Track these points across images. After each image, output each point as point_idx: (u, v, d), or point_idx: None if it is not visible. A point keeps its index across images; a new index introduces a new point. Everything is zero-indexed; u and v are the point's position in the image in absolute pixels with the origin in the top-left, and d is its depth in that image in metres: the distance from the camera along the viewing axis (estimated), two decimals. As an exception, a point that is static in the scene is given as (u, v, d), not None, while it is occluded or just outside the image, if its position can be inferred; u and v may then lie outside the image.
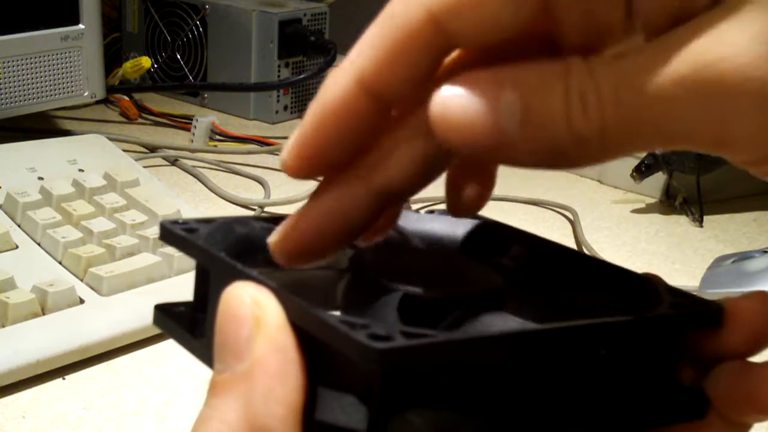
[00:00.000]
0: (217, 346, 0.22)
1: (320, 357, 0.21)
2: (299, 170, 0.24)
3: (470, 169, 0.26)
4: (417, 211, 0.31)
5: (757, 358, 0.25)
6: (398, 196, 0.24)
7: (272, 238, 0.24)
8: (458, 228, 0.30)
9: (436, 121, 0.21)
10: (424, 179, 0.24)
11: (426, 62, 0.23)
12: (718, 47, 0.20)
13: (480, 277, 0.27)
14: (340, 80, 0.23)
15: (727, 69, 0.20)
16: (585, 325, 0.23)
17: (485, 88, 0.21)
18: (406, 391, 0.21)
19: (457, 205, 0.27)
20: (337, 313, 0.24)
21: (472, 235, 0.30)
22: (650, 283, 0.27)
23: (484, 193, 0.27)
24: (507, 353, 0.22)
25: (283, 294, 0.22)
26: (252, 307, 0.22)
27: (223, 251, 0.25)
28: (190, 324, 0.26)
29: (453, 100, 0.21)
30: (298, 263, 0.24)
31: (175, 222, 0.26)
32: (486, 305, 0.25)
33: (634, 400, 0.25)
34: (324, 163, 0.24)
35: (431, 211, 0.31)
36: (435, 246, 0.29)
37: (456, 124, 0.21)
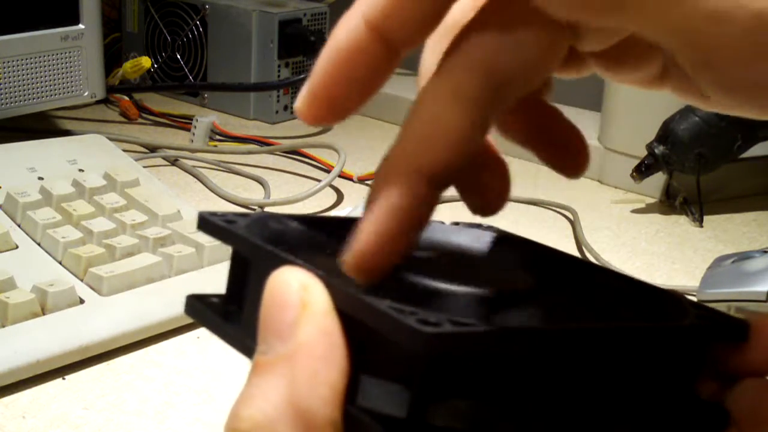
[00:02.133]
0: (262, 328, 0.22)
1: (363, 344, 0.22)
2: (313, 116, 0.24)
3: (487, 167, 0.27)
4: (442, 222, 0.31)
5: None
6: (448, 182, 0.24)
7: (349, 259, 0.23)
8: (479, 240, 0.30)
9: None
10: (463, 160, 0.24)
11: (431, 4, 0.23)
12: None
13: (508, 279, 0.27)
14: (349, 23, 0.24)
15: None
16: (623, 327, 0.23)
17: None
18: (448, 379, 0.21)
19: (479, 206, 0.27)
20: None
21: (492, 247, 0.30)
22: (676, 298, 0.27)
23: (503, 193, 0.27)
24: (549, 349, 0.22)
25: (329, 280, 0.22)
26: (299, 290, 0.22)
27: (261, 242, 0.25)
28: (223, 313, 0.26)
29: None
30: (376, 278, 0.23)
31: (214, 214, 0.26)
32: (515, 304, 0.25)
33: (655, 409, 0.25)
34: (336, 107, 0.24)
35: (456, 223, 0.31)
36: (463, 256, 0.30)
37: None
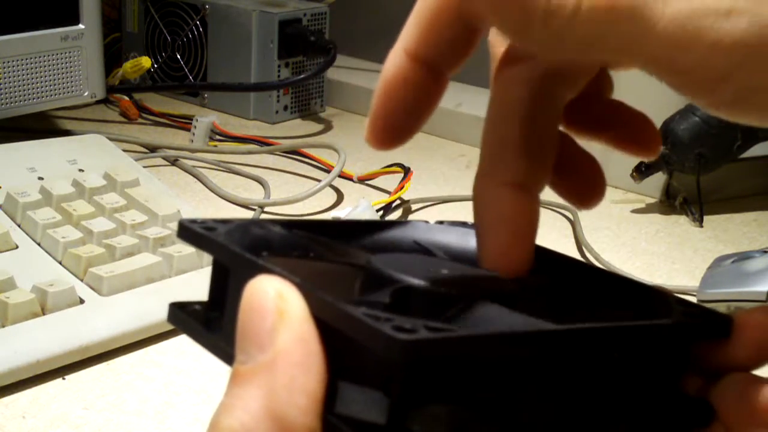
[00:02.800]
0: (239, 337, 0.22)
1: (341, 351, 0.22)
2: (380, 142, 0.28)
3: (578, 163, 0.30)
4: (426, 222, 0.31)
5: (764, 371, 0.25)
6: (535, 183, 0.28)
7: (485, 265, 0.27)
8: (470, 239, 0.30)
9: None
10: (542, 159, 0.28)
11: (461, 30, 0.26)
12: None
13: (489, 281, 0.27)
14: (393, 57, 0.27)
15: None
16: (603, 328, 0.23)
17: None
18: (427, 385, 0.21)
19: (579, 200, 0.32)
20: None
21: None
22: (661, 294, 0.27)
23: (599, 183, 0.31)
24: (527, 351, 0.22)
25: (306, 287, 0.22)
26: (276, 299, 0.22)
27: (241, 250, 0.25)
28: (205, 321, 0.26)
29: None
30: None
31: (194, 221, 0.26)
32: (497, 305, 0.25)
33: (639, 406, 0.25)
34: (396, 133, 0.28)
35: (440, 222, 0.31)
36: (449, 254, 0.30)
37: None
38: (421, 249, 0.30)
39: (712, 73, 0.23)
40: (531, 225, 0.28)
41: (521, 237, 0.28)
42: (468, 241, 0.30)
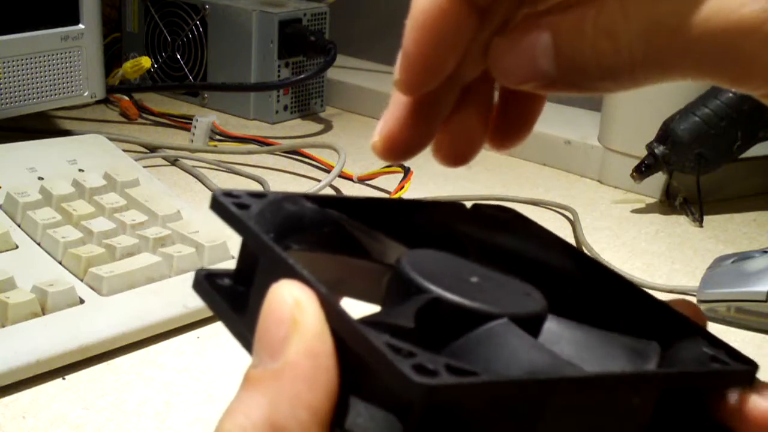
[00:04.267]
0: (257, 339, 0.22)
1: (357, 366, 0.21)
2: (411, 86, 0.26)
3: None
4: (462, 204, 0.30)
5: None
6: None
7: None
8: (505, 230, 0.30)
9: (491, 65, 0.26)
10: None
11: None
12: None
13: (519, 298, 0.26)
14: None
15: (745, 14, 0.23)
16: (625, 375, 0.23)
17: (526, 34, 0.25)
18: (445, 419, 0.21)
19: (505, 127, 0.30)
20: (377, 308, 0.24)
21: (519, 240, 0.30)
22: (688, 325, 0.26)
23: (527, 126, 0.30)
24: (544, 396, 0.22)
25: (327, 299, 0.22)
26: (293, 308, 0.22)
27: (272, 231, 0.24)
28: (231, 298, 0.25)
29: (500, 47, 0.26)
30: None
31: (228, 194, 0.25)
32: (515, 325, 0.24)
33: None
34: (432, 75, 0.26)
35: (477, 206, 0.31)
36: (482, 249, 0.29)
37: (504, 67, 0.26)
38: (455, 243, 0.29)
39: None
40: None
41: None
42: (503, 232, 0.30)
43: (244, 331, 0.24)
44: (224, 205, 0.25)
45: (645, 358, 0.25)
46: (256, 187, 0.85)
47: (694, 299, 0.66)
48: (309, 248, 0.26)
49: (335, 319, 0.22)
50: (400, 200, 0.30)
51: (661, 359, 0.25)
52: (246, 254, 0.26)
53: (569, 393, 0.22)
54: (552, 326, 0.26)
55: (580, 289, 0.29)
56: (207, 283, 0.25)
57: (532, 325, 0.25)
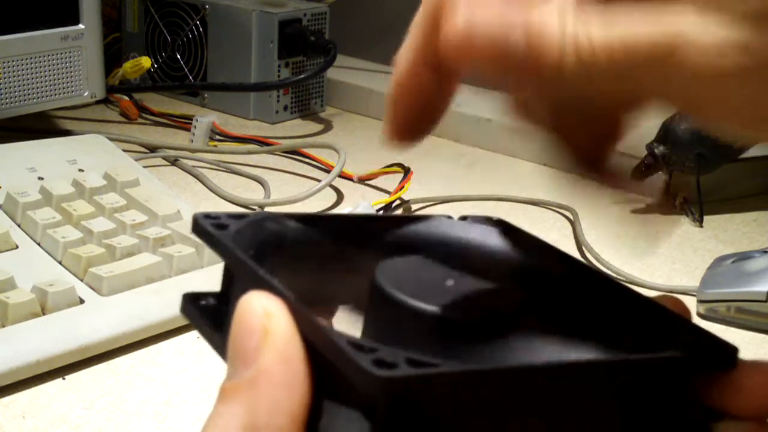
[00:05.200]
0: (229, 352, 0.23)
1: (328, 370, 0.21)
2: (399, 140, 0.28)
3: None
4: (449, 217, 0.31)
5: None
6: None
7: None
8: (490, 238, 0.30)
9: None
10: None
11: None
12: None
13: (504, 298, 0.26)
14: (403, 56, 0.26)
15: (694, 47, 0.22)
16: (590, 362, 0.23)
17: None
18: (412, 413, 0.21)
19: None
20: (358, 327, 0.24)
21: (503, 246, 0.30)
22: (669, 315, 0.27)
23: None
24: (512, 387, 0.22)
25: (296, 306, 0.22)
26: (262, 317, 0.22)
27: (252, 249, 0.25)
28: (214, 317, 0.26)
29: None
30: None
31: (208, 216, 0.26)
32: (494, 331, 0.25)
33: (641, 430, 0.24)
34: (414, 131, 0.27)
35: (464, 217, 0.31)
36: (465, 256, 0.29)
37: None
38: (437, 253, 0.29)
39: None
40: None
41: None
42: (485, 238, 0.30)
43: (224, 347, 0.24)
44: (203, 226, 0.26)
45: (621, 351, 0.25)
46: (256, 187, 0.85)
47: (694, 299, 0.66)
48: (293, 266, 0.26)
49: (304, 324, 0.22)
50: (387, 216, 0.31)
51: (639, 351, 0.25)
52: (226, 276, 0.26)
53: (535, 384, 0.22)
54: (531, 324, 0.26)
55: (565, 289, 0.29)
56: (192, 305, 0.26)
57: (506, 326, 0.25)
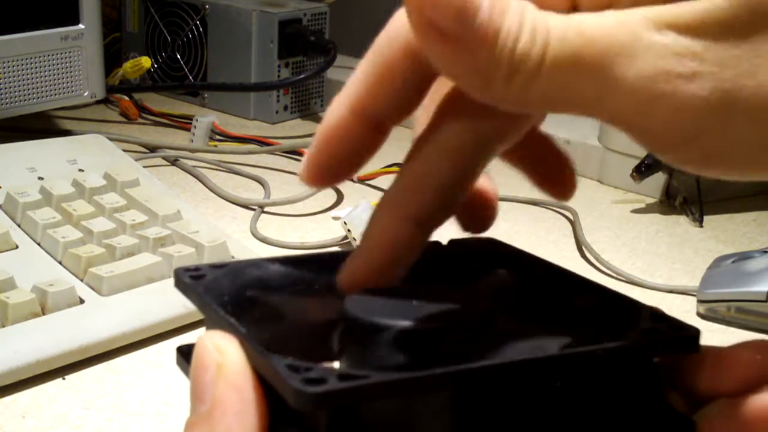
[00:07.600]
0: (189, 392, 0.24)
1: (278, 396, 0.22)
2: (313, 181, 0.28)
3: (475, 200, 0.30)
4: (437, 242, 0.31)
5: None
6: (432, 224, 0.27)
7: (341, 277, 0.27)
8: (473, 260, 0.30)
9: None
10: (450, 205, 0.27)
11: (409, 88, 0.27)
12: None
13: (466, 304, 0.26)
14: (336, 106, 0.27)
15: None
16: (532, 360, 0.23)
17: None
18: (353, 428, 0.21)
19: (469, 225, 0.30)
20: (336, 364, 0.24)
21: (457, 258, 0.30)
22: (628, 303, 0.27)
23: (490, 218, 0.30)
24: (449, 391, 0.22)
25: (246, 339, 0.23)
26: (215, 354, 0.23)
27: (227, 296, 0.26)
28: None
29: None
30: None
31: (188, 269, 0.28)
32: (478, 328, 0.25)
33: (613, 425, 0.24)
34: (329, 176, 0.28)
35: (454, 241, 0.31)
36: (441, 280, 0.29)
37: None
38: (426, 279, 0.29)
39: (677, 136, 0.23)
40: (408, 256, 0.27)
41: (392, 265, 0.27)
42: (470, 264, 0.30)
43: None
44: (180, 278, 0.27)
45: (581, 345, 0.25)
46: (256, 187, 0.85)
47: (694, 299, 0.66)
48: (280, 307, 0.27)
49: (250, 355, 0.23)
50: None
51: (602, 342, 0.25)
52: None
53: (473, 385, 0.22)
54: (498, 329, 0.26)
55: (537, 294, 0.29)
56: (181, 357, 0.27)
57: (470, 329, 0.25)
